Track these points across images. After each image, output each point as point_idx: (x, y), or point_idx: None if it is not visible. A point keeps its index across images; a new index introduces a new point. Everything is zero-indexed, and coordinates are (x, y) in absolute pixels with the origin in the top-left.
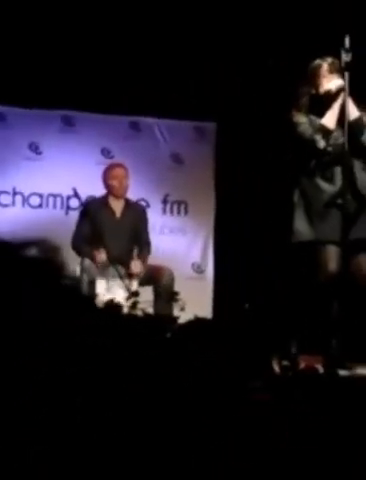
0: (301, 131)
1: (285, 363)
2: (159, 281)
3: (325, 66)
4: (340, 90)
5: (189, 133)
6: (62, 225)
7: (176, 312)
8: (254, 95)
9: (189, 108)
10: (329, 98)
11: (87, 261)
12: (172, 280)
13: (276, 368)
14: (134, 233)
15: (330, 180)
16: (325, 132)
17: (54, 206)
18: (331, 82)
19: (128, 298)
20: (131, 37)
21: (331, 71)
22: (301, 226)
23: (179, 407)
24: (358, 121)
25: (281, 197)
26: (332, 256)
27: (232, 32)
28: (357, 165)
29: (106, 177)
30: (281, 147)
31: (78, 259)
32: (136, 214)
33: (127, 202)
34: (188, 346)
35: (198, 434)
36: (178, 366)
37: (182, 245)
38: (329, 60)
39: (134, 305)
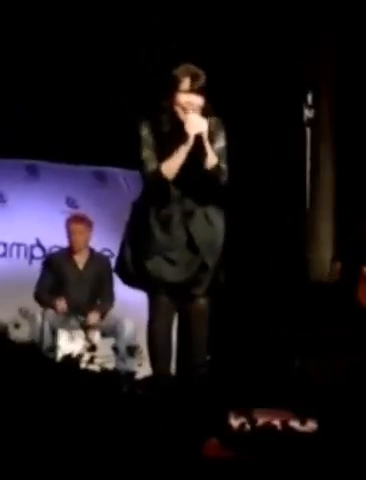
0: (143, 159)
1: (242, 419)
2: (120, 333)
3: (186, 82)
4: (198, 136)
5: None
6: (25, 274)
7: (135, 367)
8: None
9: None
10: (180, 132)
11: (49, 311)
12: (134, 332)
13: (234, 424)
14: (97, 284)
15: (164, 226)
16: (159, 179)
17: (18, 255)
18: (190, 119)
19: (88, 351)
20: (96, 90)
21: (191, 89)
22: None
23: (133, 463)
24: (215, 169)
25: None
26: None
27: None
28: (199, 214)
29: (67, 230)
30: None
31: (40, 309)
32: (100, 265)
33: (91, 253)
34: (144, 402)
35: None
36: (133, 422)
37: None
38: (192, 71)
39: (91, 360)
